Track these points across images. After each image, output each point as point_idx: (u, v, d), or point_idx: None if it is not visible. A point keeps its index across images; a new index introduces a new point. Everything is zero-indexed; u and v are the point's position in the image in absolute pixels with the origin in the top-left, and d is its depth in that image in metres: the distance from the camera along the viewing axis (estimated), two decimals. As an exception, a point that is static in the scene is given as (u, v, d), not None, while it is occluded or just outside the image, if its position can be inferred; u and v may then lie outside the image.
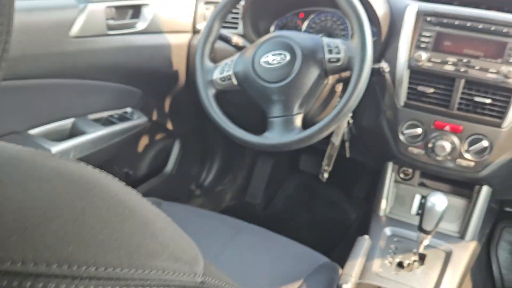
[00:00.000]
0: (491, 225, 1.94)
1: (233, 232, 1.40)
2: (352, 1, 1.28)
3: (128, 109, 1.70)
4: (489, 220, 1.83)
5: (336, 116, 1.28)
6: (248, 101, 1.44)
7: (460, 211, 1.59)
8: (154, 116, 1.86)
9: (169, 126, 1.97)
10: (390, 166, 1.66)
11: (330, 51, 1.33)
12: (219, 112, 1.43)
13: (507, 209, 1.96)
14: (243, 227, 1.44)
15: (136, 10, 1.58)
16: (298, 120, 1.37)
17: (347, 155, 1.69)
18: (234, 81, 1.43)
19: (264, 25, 1.78)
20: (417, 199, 1.64)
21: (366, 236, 1.39)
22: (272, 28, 1.81)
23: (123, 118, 1.66)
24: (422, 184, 1.67)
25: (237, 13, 1.73)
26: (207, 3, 1.80)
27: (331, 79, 1.43)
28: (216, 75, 1.45)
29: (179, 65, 1.78)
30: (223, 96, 1.49)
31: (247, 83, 1.41)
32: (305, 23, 1.76)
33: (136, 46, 1.58)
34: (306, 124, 1.48)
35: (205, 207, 2.32)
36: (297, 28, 1.78)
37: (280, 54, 1.37)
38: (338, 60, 1.32)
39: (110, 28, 1.45)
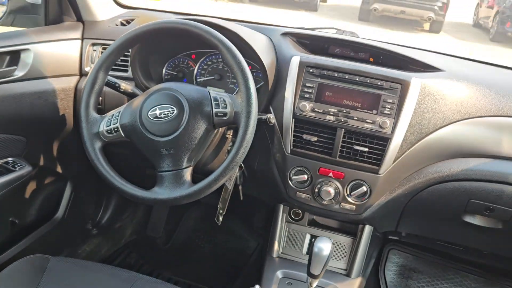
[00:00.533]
0: (378, 249, 2.07)
1: (126, 286, 1.36)
2: (237, 57, 1.29)
3: (10, 159, 1.59)
4: (376, 245, 1.95)
5: (224, 170, 1.27)
6: (138, 153, 1.41)
7: (347, 248, 1.68)
8: (41, 162, 1.76)
9: (59, 169, 1.87)
10: (281, 208, 1.71)
11: (217, 105, 1.33)
12: (106, 165, 1.38)
13: (391, 237, 2.10)
14: (136, 279, 1.40)
15: (14, 57, 1.49)
16: (187, 174, 1.34)
17: (241, 197, 1.72)
18: (122, 133, 1.38)
19: (156, 68, 1.75)
20: (307, 238, 1.70)
21: (257, 286, 1.42)
22: (164, 70, 1.79)
23: (4, 169, 1.55)
24: (312, 223, 1.73)
25: (126, 56, 1.70)
26: (94, 44, 1.75)
27: (221, 128, 1.45)
28: (103, 127, 1.39)
29: (66, 109, 1.70)
30: (112, 148, 1.45)
31: (135, 136, 1.36)
32: (197, 65, 1.76)
33: (15, 94, 1.49)
34: (198, 171, 1.48)
35: (103, 245, 2.24)
36: (189, 69, 1.77)
37: (167, 107, 1.34)
38: (225, 114, 1.32)
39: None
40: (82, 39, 1.75)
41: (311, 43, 1.71)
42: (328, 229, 1.71)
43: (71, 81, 1.69)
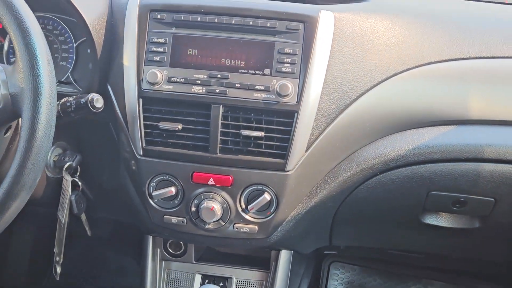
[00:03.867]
0: (313, 266, 1.58)
1: None
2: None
3: None
4: (309, 263, 1.45)
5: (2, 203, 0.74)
6: None
7: (260, 288, 1.13)
8: None
9: None
10: (150, 241, 1.12)
11: None
12: None
13: (326, 252, 1.59)
14: None
15: None
16: None
17: (88, 233, 1.12)
18: None
19: None
20: (197, 280, 1.13)
21: None
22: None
23: None
24: (203, 257, 1.16)
25: None
26: None
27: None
28: None
29: None
30: None
31: None
32: (8, 37, 1.15)
33: None
34: None
35: None
36: (-5, 45, 1.15)
37: None
38: None
39: None
40: None
41: None
42: (227, 263, 1.17)
43: None
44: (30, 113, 0.73)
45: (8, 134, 0.90)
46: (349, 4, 1.02)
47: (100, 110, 0.91)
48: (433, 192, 1.04)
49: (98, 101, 0.90)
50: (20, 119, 0.84)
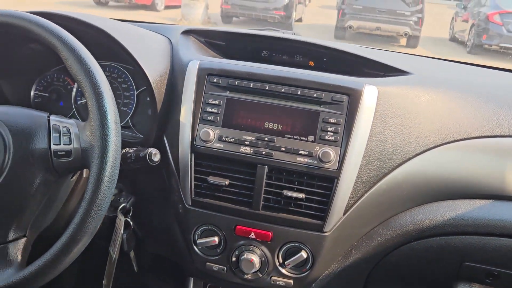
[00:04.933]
0: None
1: None
2: (83, 60, 0.84)
3: None
4: None
5: (66, 246, 0.81)
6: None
7: None
8: None
9: None
10: (191, 283, 1.18)
11: (58, 139, 0.86)
12: None
13: None
14: None
15: None
16: (16, 250, 0.87)
17: (135, 268, 1.20)
18: None
19: (16, 88, 1.25)
20: None
21: None
22: (32, 92, 1.28)
23: None
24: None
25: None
26: None
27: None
28: None
29: None
30: None
31: None
32: (77, 82, 1.26)
33: None
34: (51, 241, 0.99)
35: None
36: (66, 88, 1.28)
37: None
38: (68, 153, 0.85)
39: None
40: None
41: (228, 45, 1.22)
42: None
43: None
44: (97, 168, 0.80)
45: (74, 178, 1.00)
46: (393, 78, 1.06)
47: (156, 163, 0.98)
48: (466, 263, 1.03)
49: (156, 156, 0.98)
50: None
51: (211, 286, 1.20)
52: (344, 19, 10.61)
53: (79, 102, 1.26)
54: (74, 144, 0.84)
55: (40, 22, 0.86)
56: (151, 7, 11.25)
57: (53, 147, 0.85)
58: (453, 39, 12.09)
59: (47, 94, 1.28)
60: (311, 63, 1.19)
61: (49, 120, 0.88)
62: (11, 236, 0.86)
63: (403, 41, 11.05)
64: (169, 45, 1.17)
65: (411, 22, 10.22)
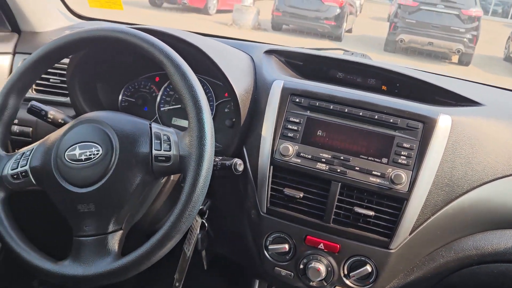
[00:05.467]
0: None
1: None
2: (187, 78, 0.94)
3: None
4: None
5: (161, 241, 0.90)
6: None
7: None
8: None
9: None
10: (256, 285, 1.27)
11: (159, 145, 0.96)
12: (7, 221, 1.00)
13: None
14: None
15: None
16: (114, 241, 0.97)
17: (205, 266, 1.29)
18: (32, 180, 1.00)
19: (108, 93, 1.37)
20: None
21: None
22: (120, 97, 1.41)
23: None
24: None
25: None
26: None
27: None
28: (7, 169, 1.02)
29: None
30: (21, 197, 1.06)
31: (48, 184, 1.00)
32: (161, 90, 1.37)
33: None
34: (144, 232, 1.10)
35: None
36: (152, 95, 1.39)
37: (90, 146, 0.97)
38: (167, 158, 0.95)
39: None
40: (14, 53, 1.38)
41: (306, 65, 1.31)
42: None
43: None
44: (193, 174, 0.89)
45: (163, 180, 1.11)
46: (466, 108, 1.11)
47: (240, 173, 1.08)
48: None
49: (241, 166, 1.06)
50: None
51: (275, 289, 1.29)
52: (395, 32, 10.45)
53: (162, 109, 1.38)
54: (174, 151, 0.94)
55: (150, 40, 0.96)
56: (204, 11, 11.45)
57: (154, 152, 0.95)
58: (508, 59, 11.71)
59: (133, 100, 1.40)
60: (384, 87, 1.25)
61: (151, 128, 0.99)
62: (111, 228, 0.96)
63: (455, 58, 10.76)
64: (252, 62, 1.26)
65: (465, 39, 9.94)
